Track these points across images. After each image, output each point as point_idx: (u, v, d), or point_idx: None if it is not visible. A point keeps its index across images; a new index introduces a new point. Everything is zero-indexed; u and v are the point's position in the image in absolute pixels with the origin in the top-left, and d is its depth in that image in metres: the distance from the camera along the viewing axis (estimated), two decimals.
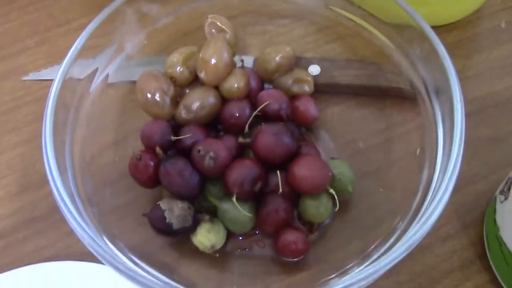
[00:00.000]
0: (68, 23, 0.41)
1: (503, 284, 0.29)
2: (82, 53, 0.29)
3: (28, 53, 0.40)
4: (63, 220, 0.31)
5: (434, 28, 0.33)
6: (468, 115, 0.34)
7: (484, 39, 0.40)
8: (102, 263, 0.28)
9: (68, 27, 0.41)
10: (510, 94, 0.36)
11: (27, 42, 0.41)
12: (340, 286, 0.22)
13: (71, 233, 0.31)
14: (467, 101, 0.35)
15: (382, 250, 0.25)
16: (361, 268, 0.24)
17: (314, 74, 0.36)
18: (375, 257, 0.25)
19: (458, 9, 0.39)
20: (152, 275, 0.25)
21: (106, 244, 0.24)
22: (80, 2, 0.42)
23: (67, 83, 0.28)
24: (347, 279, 0.22)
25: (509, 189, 0.27)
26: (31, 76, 0.39)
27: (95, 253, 0.23)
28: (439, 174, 0.25)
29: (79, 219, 0.24)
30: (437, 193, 0.24)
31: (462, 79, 0.36)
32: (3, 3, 0.42)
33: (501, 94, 0.36)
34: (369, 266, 0.23)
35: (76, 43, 0.29)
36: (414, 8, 0.33)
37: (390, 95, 0.34)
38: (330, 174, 0.30)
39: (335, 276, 0.26)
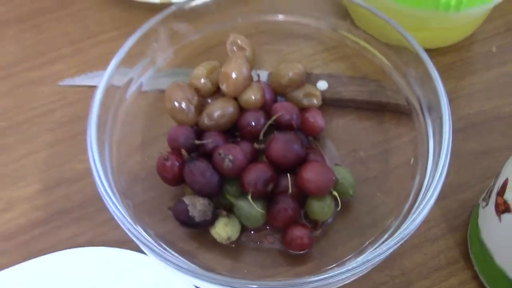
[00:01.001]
0: (99, 35, 0.44)
1: (483, 280, 0.32)
2: (121, 64, 0.32)
3: (64, 61, 0.43)
4: (94, 211, 0.36)
5: (431, 51, 0.36)
6: (459, 130, 0.38)
7: (476, 62, 0.42)
8: (130, 250, 0.32)
9: (99, 39, 0.44)
10: (497, 113, 0.39)
11: (63, 51, 0.43)
12: (337, 272, 0.25)
13: (101, 223, 0.35)
14: (459, 118, 0.39)
15: (376, 245, 0.29)
16: (357, 260, 0.28)
17: (322, 89, 0.39)
18: (370, 251, 0.29)
19: (453, 35, 0.42)
20: (176, 259, 0.29)
21: (139, 231, 0.28)
22: (110, 16, 0.45)
23: (109, 89, 0.32)
24: (344, 267, 0.26)
25: (489, 197, 0.30)
26: (66, 82, 0.41)
27: (132, 236, 0.27)
28: (428, 181, 0.28)
29: (119, 207, 0.27)
30: (425, 197, 0.27)
31: (455, 98, 0.40)
32: (42, 15, 0.45)
33: (489, 112, 0.39)
34: (363, 256, 0.26)
35: (117, 55, 0.32)
36: (413, 32, 0.36)
37: (389, 110, 0.37)
38: (333, 178, 0.32)
39: (335, 267, 0.30)
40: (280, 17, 0.38)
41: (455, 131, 0.38)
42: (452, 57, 0.42)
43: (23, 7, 0.45)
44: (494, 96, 0.40)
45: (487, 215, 0.30)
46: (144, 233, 0.28)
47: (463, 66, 0.42)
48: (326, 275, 0.25)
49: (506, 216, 0.27)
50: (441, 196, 0.35)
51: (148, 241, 0.27)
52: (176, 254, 0.29)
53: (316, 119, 0.36)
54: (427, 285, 0.33)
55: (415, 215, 0.27)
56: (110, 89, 0.32)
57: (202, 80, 0.35)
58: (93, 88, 0.39)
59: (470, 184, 0.36)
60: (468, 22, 0.40)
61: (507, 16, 0.44)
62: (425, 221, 0.34)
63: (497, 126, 0.39)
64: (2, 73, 0.42)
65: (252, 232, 0.34)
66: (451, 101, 0.39)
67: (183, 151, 0.33)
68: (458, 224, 0.35)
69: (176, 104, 0.34)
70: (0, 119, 0.39)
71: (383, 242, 0.28)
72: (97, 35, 0.44)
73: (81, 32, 0.45)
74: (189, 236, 0.33)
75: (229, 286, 0.25)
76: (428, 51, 0.37)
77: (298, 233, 0.32)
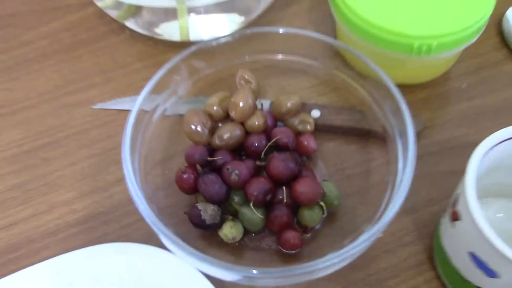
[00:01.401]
0: (127, 66, 0.49)
1: (443, 279, 0.37)
2: (150, 93, 0.38)
3: (96, 88, 0.47)
4: (120, 215, 0.41)
5: (412, 86, 0.42)
6: (432, 153, 0.44)
7: (449, 96, 0.47)
8: (154, 246, 0.37)
9: (126, 69, 0.49)
10: (465, 140, 0.44)
11: (95, 79, 0.48)
12: (320, 265, 0.32)
13: (126, 225, 0.40)
14: (433, 143, 0.45)
15: (354, 245, 0.35)
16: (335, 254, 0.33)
17: (315, 117, 0.43)
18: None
19: (428, 73, 0.47)
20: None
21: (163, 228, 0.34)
22: (136, 50, 0.50)
23: (139, 113, 0.37)
24: (325, 259, 0.32)
25: (446, 210, 0.36)
26: (98, 105, 0.46)
27: (157, 231, 0.33)
28: (395, 194, 0.35)
29: (147, 209, 0.34)
30: (390, 207, 0.33)
31: (431, 125, 0.45)
32: (78, 48, 0.50)
33: (458, 139, 0.44)
34: (341, 252, 0.32)
35: (147, 85, 0.38)
36: (395, 71, 0.42)
37: (371, 136, 0.42)
38: (321, 192, 0.37)
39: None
40: (281, 56, 0.43)
41: (429, 154, 0.44)
42: (429, 91, 0.47)
43: (62, 41, 0.51)
44: (463, 125, 0.45)
45: (445, 223, 0.36)
46: (167, 230, 0.34)
47: (438, 99, 0.47)
48: (310, 264, 0.31)
49: (457, 224, 0.33)
50: (414, 210, 0.41)
51: (170, 235, 0.33)
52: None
53: (309, 142, 0.40)
54: (398, 282, 0.38)
55: (382, 221, 0.33)
56: (141, 113, 0.38)
57: (215, 108, 0.40)
58: (121, 111, 0.47)
59: (438, 199, 0.41)
60: (440, 63, 0.45)
61: (476, 59, 0.49)
62: (399, 229, 0.40)
63: (464, 151, 0.42)
64: (46, 97, 0.47)
65: (253, 234, 0.39)
66: (427, 128, 0.45)
67: (198, 166, 0.38)
68: (426, 232, 0.40)
69: (193, 127, 0.39)
70: (45, 135, 0.45)
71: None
72: (125, 66, 0.49)
73: (111, 64, 0.49)
74: (201, 236, 0.38)
75: (235, 271, 0.32)
76: (409, 86, 0.43)
77: (291, 235, 0.37)
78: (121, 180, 0.40)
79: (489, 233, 0.30)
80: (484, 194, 0.38)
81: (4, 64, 0.49)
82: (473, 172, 0.32)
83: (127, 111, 0.44)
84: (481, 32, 0.44)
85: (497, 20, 0.52)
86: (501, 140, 0.32)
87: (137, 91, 0.40)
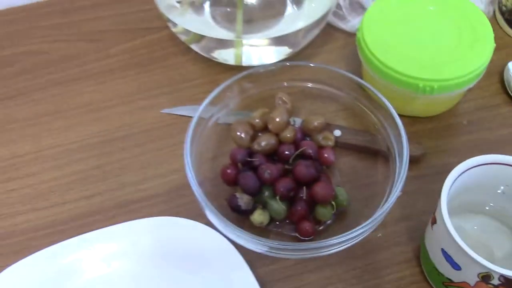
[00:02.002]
0: (190, 81, 0.58)
1: (425, 273, 0.46)
2: (208, 104, 0.48)
3: (164, 96, 0.57)
4: (176, 196, 0.50)
5: (421, 118, 0.51)
6: (429, 175, 0.52)
7: (451, 129, 0.55)
8: (202, 223, 0.46)
9: (190, 83, 0.58)
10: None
11: (164, 89, 0.57)
12: (325, 243, 0.41)
13: (180, 205, 0.50)
14: (430, 166, 0.52)
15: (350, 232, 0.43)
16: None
17: (336, 135, 0.51)
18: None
19: (434, 109, 0.55)
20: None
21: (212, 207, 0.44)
22: (197, 68, 0.59)
23: (199, 120, 0.47)
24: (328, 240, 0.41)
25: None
26: (165, 110, 0.55)
27: (206, 208, 0.43)
28: (388, 200, 0.44)
29: (198, 190, 0.44)
30: (384, 208, 0.43)
31: (431, 152, 0.53)
32: (153, 64, 0.60)
33: (453, 165, 0.47)
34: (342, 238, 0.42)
35: (207, 98, 0.47)
36: (406, 105, 0.51)
37: (378, 155, 0.50)
38: (334, 193, 0.46)
39: None
40: (312, 84, 0.52)
41: (427, 175, 0.52)
42: (434, 123, 0.55)
43: (140, 56, 0.61)
44: (459, 155, 0.50)
45: (428, 227, 0.45)
46: (213, 207, 0.44)
47: (441, 131, 0.54)
48: (320, 242, 0.41)
49: (434, 226, 0.43)
50: (409, 218, 0.50)
51: (215, 211, 0.43)
52: None
53: (329, 154, 0.49)
54: (389, 272, 0.47)
55: (375, 217, 0.43)
56: (200, 120, 0.48)
57: (257, 120, 0.49)
58: (183, 116, 0.57)
59: (430, 211, 0.47)
60: (444, 101, 0.54)
61: (478, 100, 0.57)
62: (395, 231, 0.49)
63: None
64: (124, 100, 0.57)
65: (277, 222, 0.47)
66: (428, 154, 0.53)
67: (239, 164, 0.48)
68: (416, 236, 0.48)
69: (238, 133, 0.49)
70: (122, 130, 0.55)
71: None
72: (188, 81, 0.58)
73: (178, 78, 0.58)
74: (235, 219, 0.45)
75: (263, 243, 0.41)
76: (418, 118, 0.52)
77: (307, 225, 0.46)
78: (178, 170, 0.52)
79: (454, 233, 0.40)
80: (465, 210, 0.47)
81: (94, 71, 0.61)
82: (447, 187, 0.41)
83: (187, 117, 0.55)
84: (478, 80, 0.53)
85: (500, 69, 0.60)
86: (471, 166, 0.42)
87: (196, 102, 0.50)
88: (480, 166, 0.43)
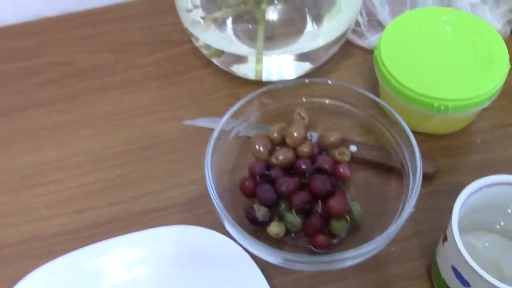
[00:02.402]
0: (211, 94, 0.60)
1: None
2: (230, 117, 0.50)
3: (186, 108, 0.58)
4: (195, 206, 0.52)
5: (435, 136, 0.52)
6: (443, 191, 0.52)
7: (465, 148, 0.56)
8: (219, 232, 0.48)
9: (211, 96, 0.60)
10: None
11: (186, 101, 0.59)
12: (335, 257, 0.43)
13: (199, 215, 0.51)
14: (444, 183, 0.53)
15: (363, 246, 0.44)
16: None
17: (352, 151, 0.52)
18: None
19: (449, 127, 0.56)
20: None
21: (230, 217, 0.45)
22: (219, 82, 0.61)
23: (220, 132, 0.49)
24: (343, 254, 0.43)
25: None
26: (187, 122, 0.57)
27: (224, 218, 0.44)
28: (401, 216, 0.46)
29: (217, 201, 0.46)
30: (396, 224, 0.44)
31: (444, 169, 0.54)
32: (176, 75, 0.61)
33: (466, 183, 0.47)
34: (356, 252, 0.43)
35: (229, 112, 0.49)
36: (422, 123, 0.52)
37: (392, 171, 0.52)
38: (348, 208, 0.47)
39: None
40: (330, 101, 0.54)
41: (440, 192, 0.53)
42: (449, 141, 0.56)
43: (164, 69, 0.63)
44: (472, 173, 0.50)
45: (440, 244, 0.46)
46: (230, 218, 0.46)
47: (455, 149, 0.55)
48: (334, 255, 0.43)
49: (445, 243, 0.44)
50: (423, 234, 0.51)
51: (233, 221, 0.45)
52: None
53: (344, 170, 0.50)
54: (400, 287, 0.48)
55: (388, 232, 0.44)
56: (221, 132, 0.49)
57: (275, 134, 0.51)
58: (203, 128, 0.59)
59: (443, 228, 0.48)
60: (458, 120, 0.55)
61: (492, 120, 0.58)
62: (408, 247, 0.50)
63: None
64: (148, 110, 0.59)
65: (292, 234, 0.48)
66: (441, 171, 0.55)
67: (257, 177, 0.50)
68: (427, 252, 0.49)
69: (257, 147, 0.50)
70: (145, 139, 0.57)
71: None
72: (210, 94, 0.60)
73: (199, 90, 0.60)
74: (253, 231, 0.47)
75: (278, 255, 0.43)
76: (433, 135, 0.53)
77: (321, 238, 0.47)
78: (197, 180, 0.53)
79: (464, 252, 0.41)
80: (476, 228, 0.48)
81: (119, 82, 0.63)
82: (458, 206, 0.42)
83: (208, 129, 0.57)
84: (492, 100, 0.54)
85: None
86: (482, 186, 0.43)
87: (217, 114, 0.53)
88: (492, 186, 0.44)
